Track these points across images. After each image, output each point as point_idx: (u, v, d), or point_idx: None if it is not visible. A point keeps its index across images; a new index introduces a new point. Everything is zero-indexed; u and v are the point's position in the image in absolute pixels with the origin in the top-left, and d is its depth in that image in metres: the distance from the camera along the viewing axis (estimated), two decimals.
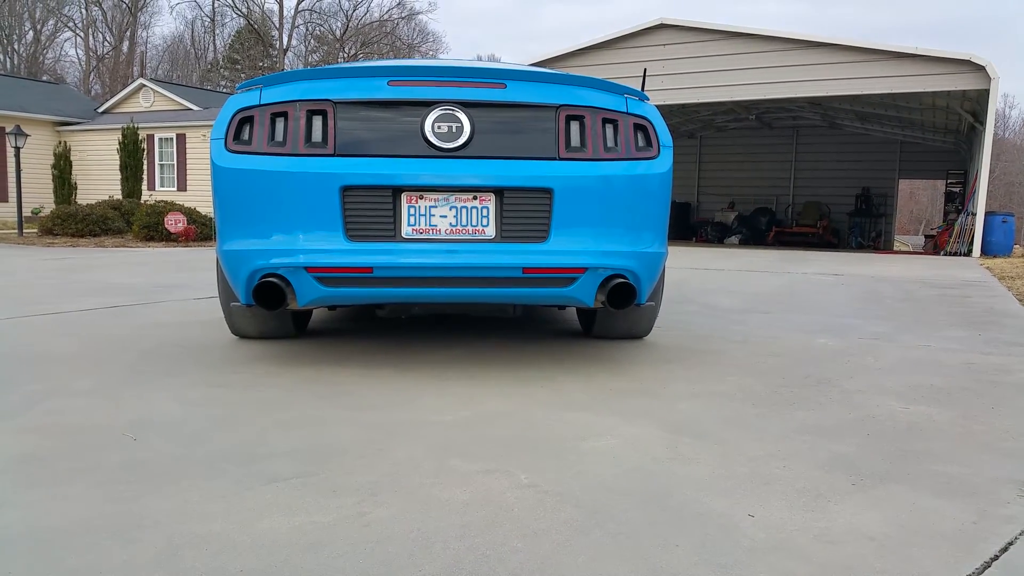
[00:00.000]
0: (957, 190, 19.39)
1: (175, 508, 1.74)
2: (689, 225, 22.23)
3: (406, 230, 2.92)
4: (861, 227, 21.13)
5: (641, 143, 3.10)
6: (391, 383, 2.94)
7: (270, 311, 2.99)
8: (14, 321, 4.29)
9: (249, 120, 2.94)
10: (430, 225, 2.93)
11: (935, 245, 16.30)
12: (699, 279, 7.64)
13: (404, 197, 2.91)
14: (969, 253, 13.90)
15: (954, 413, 2.69)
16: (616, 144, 3.06)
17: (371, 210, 2.89)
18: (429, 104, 2.92)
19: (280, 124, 2.92)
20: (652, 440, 2.30)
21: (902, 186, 23.46)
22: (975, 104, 14.82)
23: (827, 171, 21.98)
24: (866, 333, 4.40)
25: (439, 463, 2.06)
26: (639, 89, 3.30)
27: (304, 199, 2.87)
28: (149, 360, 3.31)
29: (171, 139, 21.26)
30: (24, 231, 14.61)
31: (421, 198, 2.92)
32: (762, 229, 21.03)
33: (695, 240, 21.21)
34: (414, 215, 2.92)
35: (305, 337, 3.85)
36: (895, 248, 22.23)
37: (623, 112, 3.10)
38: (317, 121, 2.91)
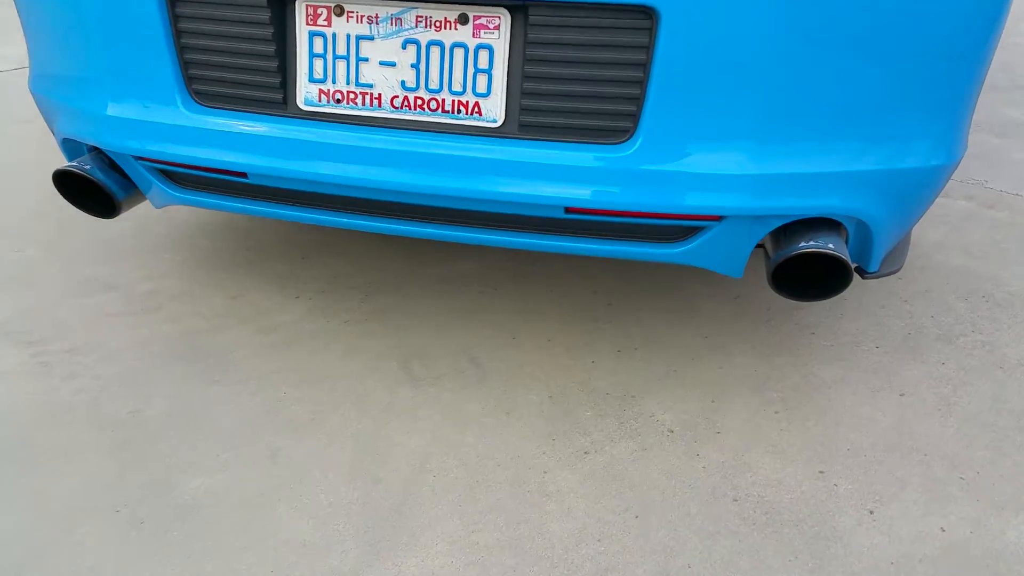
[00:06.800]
0: None
1: None
2: None
3: (307, 90, 1.29)
4: None
5: None
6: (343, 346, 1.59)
7: (99, 216, 1.60)
8: None
9: None
10: (359, 85, 1.28)
11: None
12: None
13: (300, 10, 1.24)
14: None
15: None
16: None
17: (230, 43, 1.27)
18: None
19: None
20: None
21: None
22: None
23: None
24: None
25: None
26: None
27: (111, 14, 1.31)
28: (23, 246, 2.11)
29: None
30: None
31: (339, 15, 1.23)
32: None
33: None
34: (323, 57, 1.27)
35: None
36: None
37: None
38: None
